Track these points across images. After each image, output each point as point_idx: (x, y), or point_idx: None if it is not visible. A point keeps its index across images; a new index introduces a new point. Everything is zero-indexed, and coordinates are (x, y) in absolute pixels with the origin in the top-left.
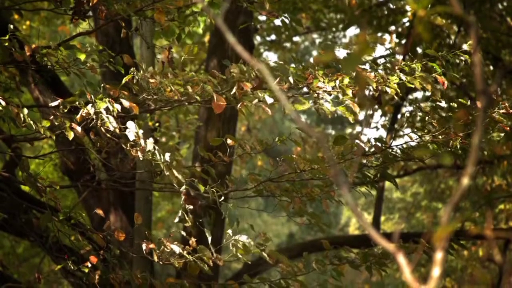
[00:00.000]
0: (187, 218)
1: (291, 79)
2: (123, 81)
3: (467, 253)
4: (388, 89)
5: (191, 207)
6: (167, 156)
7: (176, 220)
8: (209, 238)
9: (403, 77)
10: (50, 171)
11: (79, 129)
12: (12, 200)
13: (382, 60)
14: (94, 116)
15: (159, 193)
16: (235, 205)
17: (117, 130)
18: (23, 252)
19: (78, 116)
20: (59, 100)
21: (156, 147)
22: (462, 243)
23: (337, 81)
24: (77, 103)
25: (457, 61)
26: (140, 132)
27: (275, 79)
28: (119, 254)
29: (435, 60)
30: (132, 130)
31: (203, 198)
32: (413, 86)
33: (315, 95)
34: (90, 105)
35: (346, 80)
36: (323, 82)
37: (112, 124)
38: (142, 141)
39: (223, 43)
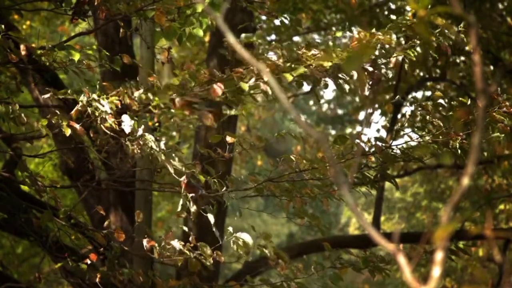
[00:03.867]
0: (189, 207)
1: (284, 52)
2: (119, 89)
3: None
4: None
5: (193, 194)
6: (162, 144)
7: (179, 208)
8: (212, 221)
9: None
10: (50, 170)
11: (77, 126)
12: (12, 200)
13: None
14: (90, 111)
15: (159, 193)
16: (236, 196)
17: (114, 125)
18: (23, 251)
19: (73, 111)
20: (51, 93)
21: (151, 136)
22: (464, 248)
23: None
24: (69, 91)
25: (457, 61)
26: (132, 122)
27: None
28: (120, 253)
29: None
30: (127, 123)
31: (204, 189)
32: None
33: (308, 63)
34: (83, 95)
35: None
36: (316, 49)
37: (107, 116)
38: (140, 132)
39: (223, 43)
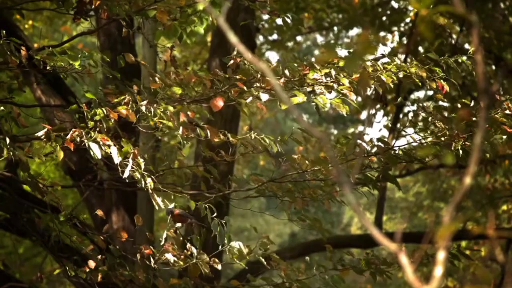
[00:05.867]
0: (176, 236)
1: (287, 72)
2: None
3: (469, 252)
4: (383, 78)
5: (179, 225)
6: (149, 181)
7: (162, 242)
8: (195, 253)
9: (397, 67)
10: (52, 170)
11: (72, 147)
12: (14, 200)
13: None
14: (84, 138)
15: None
16: (229, 218)
17: (107, 150)
18: (25, 251)
19: (68, 137)
20: (53, 133)
21: (140, 170)
22: (466, 253)
23: (332, 70)
24: (76, 134)
25: (459, 61)
26: (119, 159)
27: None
28: (121, 253)
29: (437, 64)
30: (115, 155)
31: (192, 216)
32: (408, 73)
33: (310, 88)
34: (76, 133)
35: (341, 63)
36: (318, 72)
37: (96, 153)
38: (130, 161)
39: (225, 43)
